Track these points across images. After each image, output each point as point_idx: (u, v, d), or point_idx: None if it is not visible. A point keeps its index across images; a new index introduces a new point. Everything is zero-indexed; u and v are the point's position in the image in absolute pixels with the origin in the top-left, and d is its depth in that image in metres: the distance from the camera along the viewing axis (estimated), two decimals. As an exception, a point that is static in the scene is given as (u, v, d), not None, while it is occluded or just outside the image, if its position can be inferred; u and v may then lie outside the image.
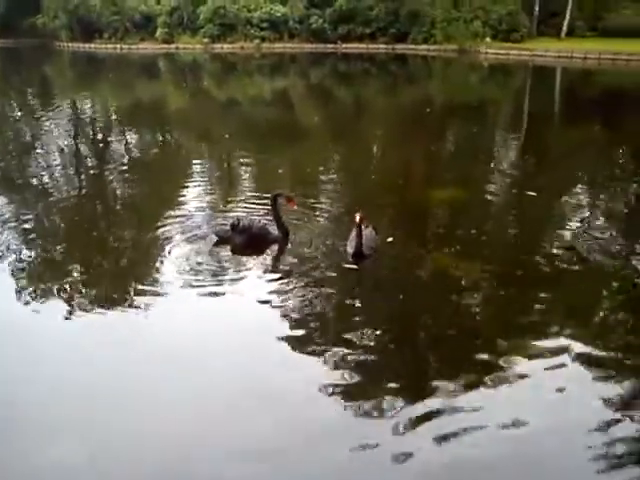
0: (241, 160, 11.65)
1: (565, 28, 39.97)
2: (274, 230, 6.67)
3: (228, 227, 6.55)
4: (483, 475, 3.59)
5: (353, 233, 6.19)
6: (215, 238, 6.63)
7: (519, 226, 7.60)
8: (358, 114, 18.56)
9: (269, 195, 6.83)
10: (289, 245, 6.58)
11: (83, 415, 3.99)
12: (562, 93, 23.78)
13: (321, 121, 17.11)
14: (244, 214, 7.38)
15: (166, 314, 5.27)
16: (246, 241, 6.46)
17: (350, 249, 6.19)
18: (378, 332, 4.89)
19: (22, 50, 46.44)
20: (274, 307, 5.33)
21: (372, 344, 4.72)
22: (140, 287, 5.68)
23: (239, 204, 8.24)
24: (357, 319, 5.12)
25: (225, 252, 6.43)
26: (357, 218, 6.09)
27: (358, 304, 5.36)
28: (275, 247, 6.58)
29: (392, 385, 4.28)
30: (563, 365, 4.48)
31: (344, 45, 43.38)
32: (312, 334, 4.89)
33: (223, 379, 4.39)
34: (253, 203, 8.19)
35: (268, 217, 6.95)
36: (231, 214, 7.48)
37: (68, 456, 3.64)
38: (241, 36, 44.92)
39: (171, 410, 4.04)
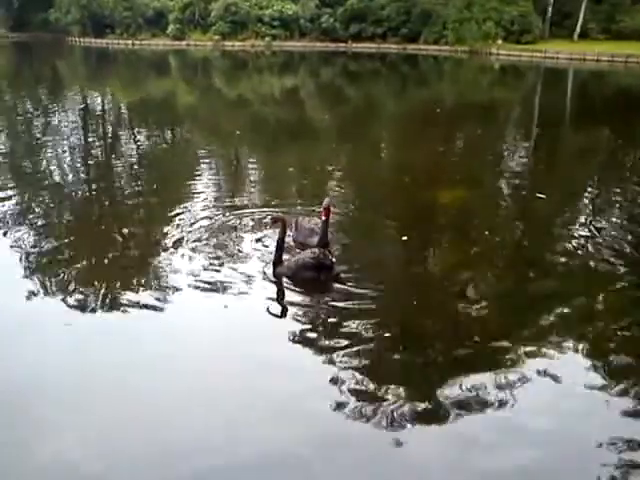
0: (251, 157, 11.67)
1: (578, 30, 39.78)
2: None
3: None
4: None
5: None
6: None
7: (529, 229, 7.54)
8: (368, 113, 18.53)
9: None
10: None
11: (85, 412, 3.99)
12: (573, 95, 23.65)
13: (331, 120, 17.10)
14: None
15: (170, 314, 5.22)
16: (296, 238, 6.51)
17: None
18: (387, 335, 4.87)
19: (34, 45, 46.74)
20: (281, 309, 5.34)
21: (378, 347, 4.70)
22: (147, 285, 5.67)
23: (249, 201, 8.25)
24: (364, 321, 5.07)
25: (234, 249, 6.43)
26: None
27: (366, 305, 5.33)
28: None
29: (396, 388, 4.24)
30: (571, 369, 4.45)
31: (355, 44, 43.38)
32: (316, 338, 4.85)
33: (226, 382, 4.36)
34: (264, 200, 8.22)
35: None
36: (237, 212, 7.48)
37: (73, 452, 3.65)
38: (252, 34, 45.06)
39: (173, 410, 4.03)
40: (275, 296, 5.53)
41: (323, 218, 6.17)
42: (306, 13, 45.28)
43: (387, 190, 9.30)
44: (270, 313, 5.21)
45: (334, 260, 5.79)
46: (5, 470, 3.51)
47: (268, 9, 45.07)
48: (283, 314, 5.26)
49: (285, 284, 5.65)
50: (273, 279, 5.70)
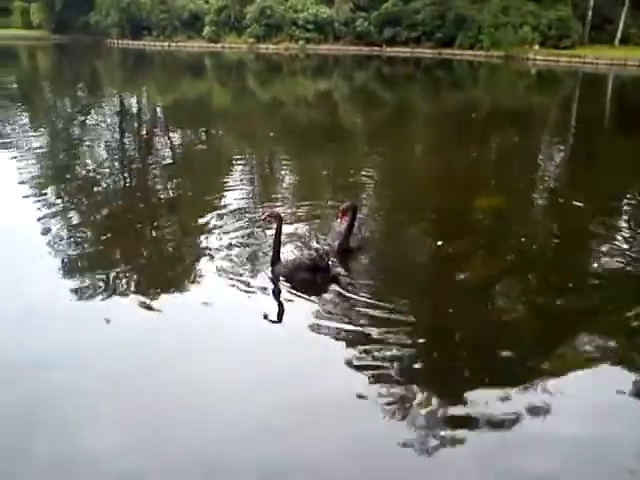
0: (285, 159, 11.70)
1: (619, 35, 38.88)
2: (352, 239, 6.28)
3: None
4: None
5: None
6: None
7: (566, 237, 7.35)
8: (402, 118, 18.42)
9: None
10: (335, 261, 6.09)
11: (120, 405, 4.04)
12: (613, 101, 23.10)
13: (364, 123, 17.05)
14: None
15: (200, 310, 5.24)
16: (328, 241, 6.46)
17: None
18: (421, 340, 4.80)
19: (75, 46, 47.90)
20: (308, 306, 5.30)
21: (408, 351, 4.65)
22: (179, 282, 5.72)
23: (282, 201, 8.27)
24: (393, 323, 5.00)
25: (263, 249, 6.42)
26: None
27: (397, 309, 5.26)
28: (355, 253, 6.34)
29: (424, 391, 4.19)
30: (606, 385, 4.33)
31: (389, 48, 43.25)
32: (342, 338, 4.82)
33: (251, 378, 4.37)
34: (297, 203, 8.21)
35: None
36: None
37: (110, 444, 3.67)
38: (286, 37, 45.29)
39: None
40: (271, 296, 5.46)
41: (338, 220, 6.18)
42: (341, 17, 45.33)
43: (421, 194, 9.20)
44: (266, 313, 5.19)
45: (330, 262, 5.67)
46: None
47: (303, 12, 45.24)
48: (282, 315, 5.25)
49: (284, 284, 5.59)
50: (271, 278, 5.63)
